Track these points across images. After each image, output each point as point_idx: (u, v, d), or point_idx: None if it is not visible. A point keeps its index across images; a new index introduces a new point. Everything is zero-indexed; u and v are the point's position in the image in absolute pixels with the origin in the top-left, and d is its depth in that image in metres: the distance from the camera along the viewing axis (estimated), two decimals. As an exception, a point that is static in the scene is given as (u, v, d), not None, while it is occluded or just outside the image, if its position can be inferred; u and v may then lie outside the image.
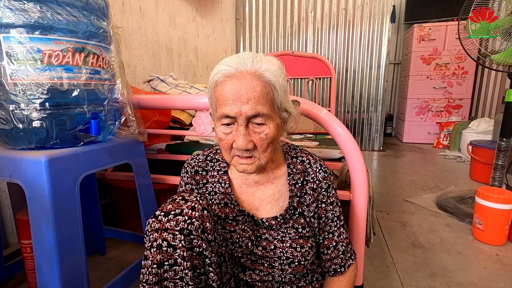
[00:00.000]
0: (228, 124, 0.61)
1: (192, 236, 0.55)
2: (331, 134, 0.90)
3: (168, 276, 0.54)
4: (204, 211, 0.57)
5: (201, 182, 0.74)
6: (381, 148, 3.65)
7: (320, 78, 3.32)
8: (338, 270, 0.72)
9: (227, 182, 0.72)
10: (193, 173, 0.75)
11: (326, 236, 0.72)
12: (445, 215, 1.80)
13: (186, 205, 0.56)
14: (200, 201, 0.58)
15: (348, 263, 0.73)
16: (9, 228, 1.21)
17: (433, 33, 3.63)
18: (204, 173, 0.75)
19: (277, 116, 0.63)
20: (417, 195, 2.11)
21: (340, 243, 0.72)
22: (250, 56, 0.60)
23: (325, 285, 0.74)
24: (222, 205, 0.72)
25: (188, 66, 2.56)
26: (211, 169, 0.75)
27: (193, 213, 0.56)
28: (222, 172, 0.73)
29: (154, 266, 0.54)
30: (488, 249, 1.43)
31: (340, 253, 0.72)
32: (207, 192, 0.74)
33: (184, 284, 0.54)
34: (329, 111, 0.96)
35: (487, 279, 1.21)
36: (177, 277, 0.54)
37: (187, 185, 0.75)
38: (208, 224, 0.57)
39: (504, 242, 1.47)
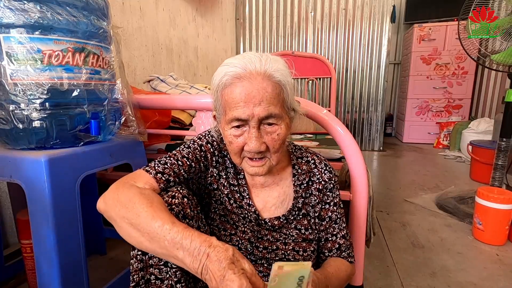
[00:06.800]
0: (238, 127, 0.59)
1: None
2: (331, 134, 0.90)
3: (153, 263, 0.55)
4: (184, 199, 0.58)
5: (211, 165, 0.70)
6: (381, 148, 3.65)
7: (320, 78, 3.32)
8: (336, 255, 0.71)
9: (242, 173, 0.71)
10: (213, 151, 0.70)
11: (330, 238, 0.71)
12: (445, 215, 1.80)
13: (167, 195, 0.58)
14: (181, 191, 0.59)
15: (349, 260, 0.72)
16: (9, 228, 1.21)
17: (433, 33, 3.63)
18: (221, 160, 0.72)
19: (286, 116, 0.62)
20: (417, 195, 2.11)
21: (343, 245, 0.71)
22: (256, 56, 0.59)
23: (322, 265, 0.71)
24: (231, 198, 0.71)
25: (188, 66, 2.56)
26: (223, 161, 0.72)
27: (173, 200, 0.56)
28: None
29: (139, 253, 0.54)
30: (488, 249, 1.43)
31: (343, 253, 0.72)
32: (216, 180, 0.71)
33: (168, 269, 0.55)
34: (329, 111, 0.96)
35: (487, 279, 1.21)
36: (161, 263, 0.55)
37: (201, 152, 0.68)
38: (189, 210, 0.58)
39: (504, 242, 1.47)
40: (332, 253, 0.71)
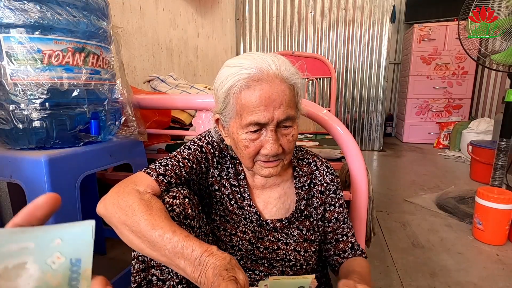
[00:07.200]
0: (255, 131, 0.58)
1: (174, 222, 0.55)
2: (331, 134, 0.90)
3: (154, 264, 0.55)
4: (186, 199, 0.58)
5: (212, 166, 0.70)
6: (381, 148, 3.65)
7: (320, 78, 3.31)
8: (352, 255, 0.72)
9: (243, 174, 0.70)
10: (213, 152, 0.69)
11: (340, 239, 0.71)
12: (445, 215, 1.80)
13: (168, 195, 0.57)
14: (182, 191, 0.59)
15: (364, 256, 0.72)
16: (9, 228, 1.21)
17: (433, 33, 3.63)
18: (222, 161, 0.71)
19: (296, 117, 0.62)
20: (417, 195, 2.11)
21: (355, 244, 0.72)
22: (268, 57, 0.57)
23: (341, 267, 0.70)
24: (232, 199, 0.70)
25: (188, 66, 2.56)
26: (223, 161, 0.72)
27: (174, 201, 0.56)
28: (237, 161, 0.71)
29: (141, 253, 0.54)
30: (488, 249, 1.43)
31: (357, 251, 0.72)
32: (216, 181, 0.70)
33: (170, 270, 0.55)
34: (329, 111, 0.96)
35: (487, 279, 1.21)
36: (163, 264, 0.54)
37: (201, 153, 0.67)
38: (190, 211, 0.58)
39: (504, 242, 1.47)
40: (347, 254, 0.71)
